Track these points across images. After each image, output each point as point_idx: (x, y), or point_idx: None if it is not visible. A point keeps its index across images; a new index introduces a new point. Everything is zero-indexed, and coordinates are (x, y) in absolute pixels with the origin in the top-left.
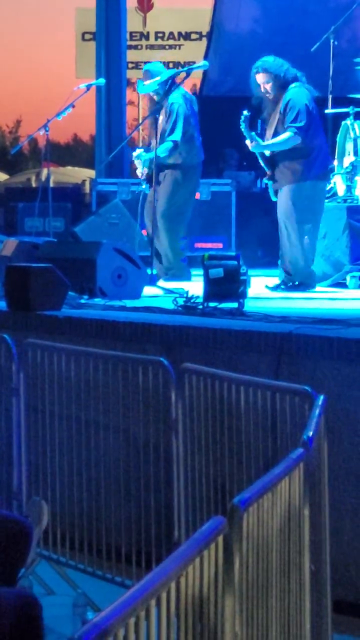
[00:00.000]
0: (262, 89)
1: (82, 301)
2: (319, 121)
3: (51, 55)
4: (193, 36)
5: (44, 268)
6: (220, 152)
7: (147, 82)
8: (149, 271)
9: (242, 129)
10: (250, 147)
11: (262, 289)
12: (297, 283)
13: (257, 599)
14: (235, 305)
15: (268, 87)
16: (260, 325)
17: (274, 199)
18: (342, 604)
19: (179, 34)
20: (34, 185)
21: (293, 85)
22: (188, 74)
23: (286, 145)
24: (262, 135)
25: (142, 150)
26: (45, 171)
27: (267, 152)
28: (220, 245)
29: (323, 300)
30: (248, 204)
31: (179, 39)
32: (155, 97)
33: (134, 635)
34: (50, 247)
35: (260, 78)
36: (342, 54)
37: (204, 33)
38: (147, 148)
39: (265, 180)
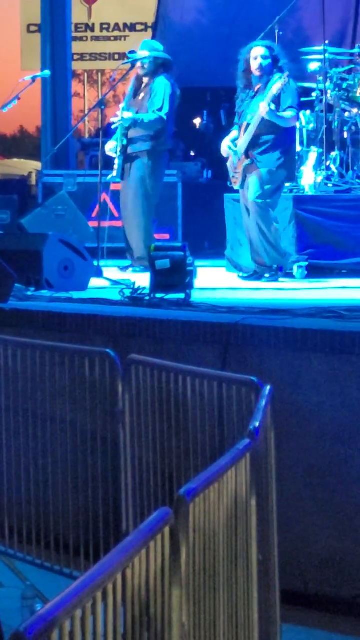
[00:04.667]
0: (257, 64)
1: (29, 293)
2: None
3: None
4: (138, 27)
5: None
6: None
7: (143, 53)
8: (95, 263)
9: (270, 97)
10: (264, 112)
11: (235, 281)
12: (275, 267)
13: (204, 589)
14: (182, 296)
15: (265, 62)
16: (207, 316)
17: (238, 187)
18: (291, 594)
19: (125, 25)
20: None
21: (283, 73)
22: (133, 65)
23: (288, 123)
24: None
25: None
26: None
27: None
28: (167, 236)
29: (270, 290)
30: (194, 195)
31: (124, 30)
32: (141, 71)
33: (80, 626)
34: None
35: (260, 51)
36: (287, 44)
37: (150, 24)
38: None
39: (245, 164)
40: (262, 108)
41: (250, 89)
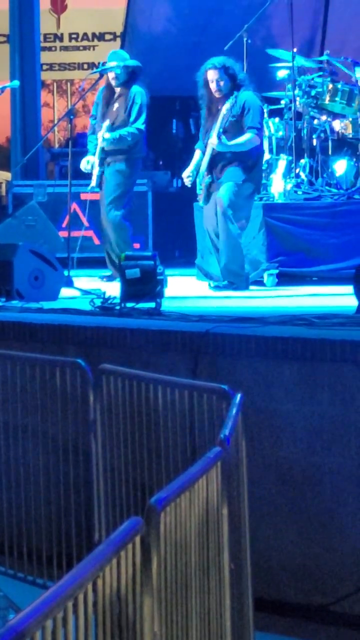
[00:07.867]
0: (214, 87)
1: None
2: None
3: None
4: (107, 37)
5: None
6: None
7: (112, 64)
8: (65, 272)
9: (219, 123)
10: (215, 145)
11: (206, 289)
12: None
13: (176, 598)
14: (152, 305)
15: (222, 84)
16: (177, 325)
17: (202, 204)
18: (264, 601)
19: (93, 34)
20: None
21: (244, 88)
22: (102, 75)
23: (247, 146)
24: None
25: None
26: None
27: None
28: (137, 246)
29: (240, 298)
30: (164, 204)
31: (93, 40)
32: (114, 82)
33: (50, 637)
34: None
35: (214, 75)
36: (256, 52)
37: (118, 33)
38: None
39: (207, 181)
40: (212, 141)
41: (211, 106)
